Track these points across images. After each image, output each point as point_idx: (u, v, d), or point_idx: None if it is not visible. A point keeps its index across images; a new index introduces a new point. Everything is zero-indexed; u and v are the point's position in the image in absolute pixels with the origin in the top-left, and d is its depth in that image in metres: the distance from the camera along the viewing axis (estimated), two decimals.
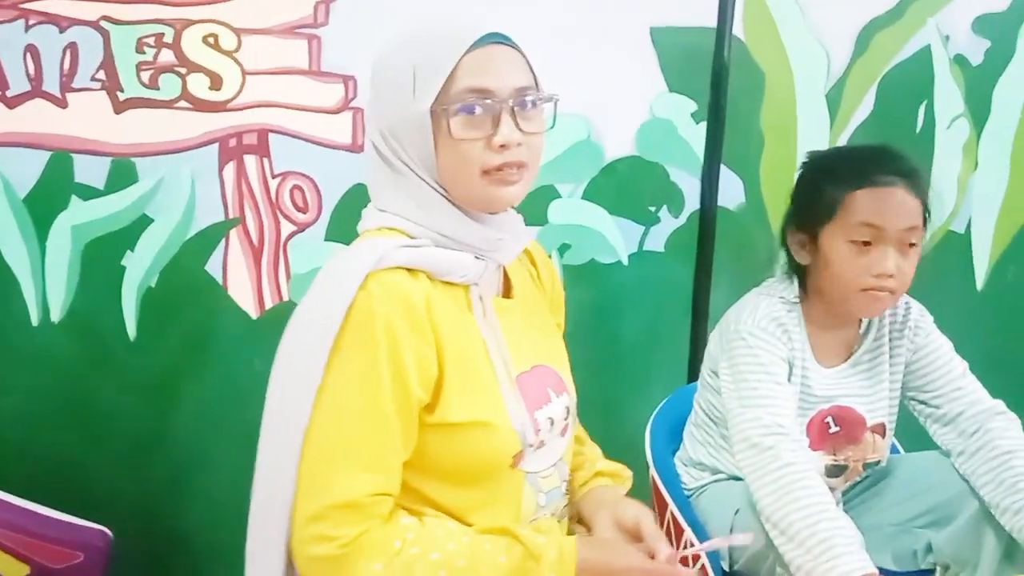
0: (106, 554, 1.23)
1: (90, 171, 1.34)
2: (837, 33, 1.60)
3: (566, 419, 0.91)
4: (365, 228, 0.87)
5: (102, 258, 1.38)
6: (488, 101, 0.78)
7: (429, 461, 0.80)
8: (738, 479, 1.21)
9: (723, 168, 1.57)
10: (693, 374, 1.61)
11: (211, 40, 1.30)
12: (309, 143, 1.40)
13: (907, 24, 1.62)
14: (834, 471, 1.21)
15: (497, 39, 0.80)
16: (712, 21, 1.50)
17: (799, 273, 1.19)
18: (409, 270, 0.79)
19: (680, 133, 1.57)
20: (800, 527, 1.02)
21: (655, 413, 1.40)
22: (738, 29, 1.53)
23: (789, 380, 1.16)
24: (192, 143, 1.35)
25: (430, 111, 0.78)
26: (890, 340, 1.22)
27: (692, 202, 1.60)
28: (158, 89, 1.31)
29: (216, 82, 1.32)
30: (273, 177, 1.40)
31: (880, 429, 1.22)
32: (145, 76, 1.30)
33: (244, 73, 1.34)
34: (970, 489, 1.15)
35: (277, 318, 1.45)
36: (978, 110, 1.68)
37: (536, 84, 0.82)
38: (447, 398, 0.79)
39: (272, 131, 1.37)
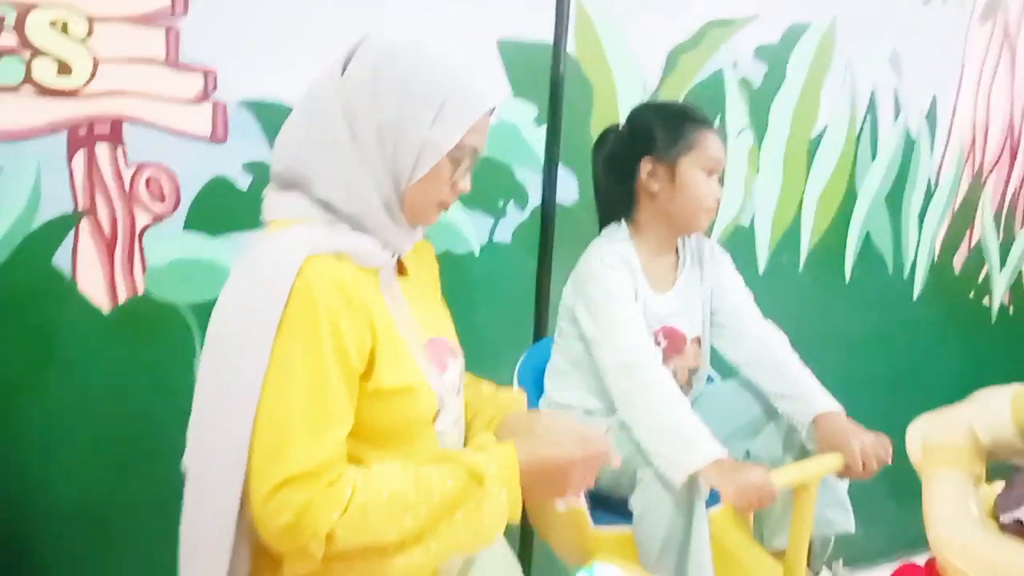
0: None
1: None
2: (650, 54, 1.84)
3: (461, 381, 1.02)
4: (279, 216, 0.91)
5: None
6: (472, 157, 0.94)
7: (363, 425, 0.87)
8: (591, 413, 1.43)
9: (561, 168, 1.76)
10: (536, 340, 1.80)
11: (59, 25, 1.24)
12: (167, 133, 1.37)
13: (704, 50, 1.91)
14: None
15: (491, 110, 0.95)
16: (549, 38, 1.69)
17: (627, 214, 1.43)
18: (336, 256, 0.86)
19: (523, 135, 1.73)
20: (665, 423, 1.25)
21: (519, 364, 1.57)
22: (571, 47, 1.72)
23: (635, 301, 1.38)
24: (37, 130, 1.27)
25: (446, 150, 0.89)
26: (700, 266, 1.49)
27: (535, 198, 1.76)
28: None
29: (64, 68, 1.26)
30: (127, 167, 1.35)
31: (697, 340, 1.48)
32: None
33: (96, 60, 1.29)
34: (765, 407, 1.45)
35: (131, 313, 1.41)
36: (759, 123, 2.02)
37: None
38: (379, 367, 0.87)
39: (127, 120, 1.33)
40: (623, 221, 1.46)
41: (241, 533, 0.84)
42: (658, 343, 1.45)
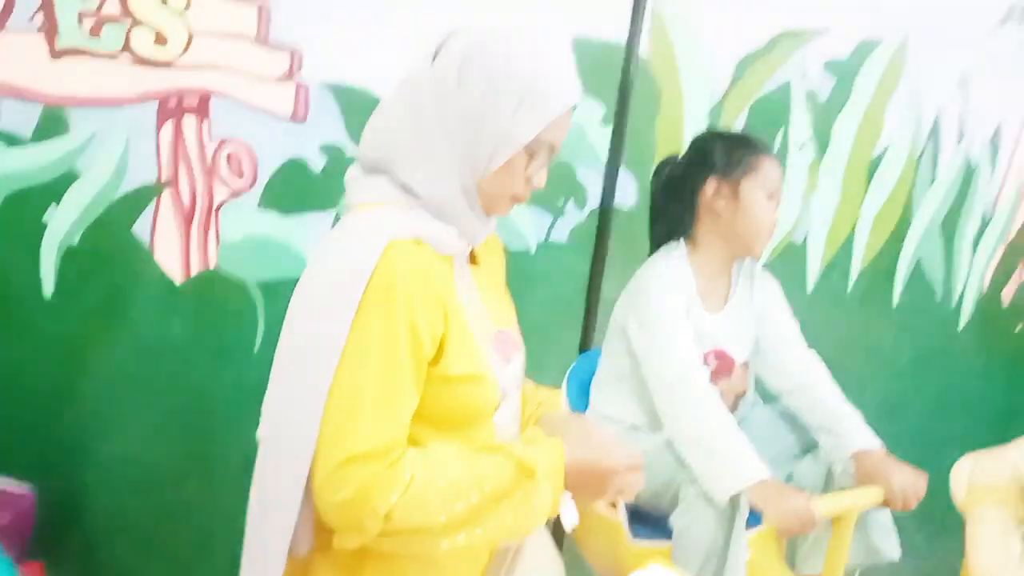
0: (31, 513, 1.18)
1: (18, 118, 1.25)
2: (720, 62, 1.84)
3: (522, 374, 1.04)
4: (366, 199, 0.92)
5: (23, 212, 1.29)
6: (549, 153, 0.92)
7: (426, 410, 0.88)
8: (637, 429, 1.44)
9: (623, 170, 1.77)
10: (584, 349, 1.81)
11: None
12: (251, 110, 1.40)
13: (774, 60, 1.90)
14: None
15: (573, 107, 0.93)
16: (623, 38, 1.69)
17: (685, 232, 1.45)
18: (416, 242, 0.88)
19: (588, 135, 1.74)
20: (712, 440, 1.26)
21: (568, 374, 1.58)
22: (643, 49, 1.72)
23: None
24: (130, 99, 1.31)
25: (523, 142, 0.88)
26: (751, 290, 1.50)
27: (594, 199, 1.77)
28: (99, 39, 1.25)
29: (161, 38, 1.29)
30: (211, 141, 1.38)
31: (745, 366, 1.50)
32: (87, 24, 1.24)
33: (191, 33, 1.31)
34: (803, 436, 1.46)
35: (200, 287, 1.45)
36: (821, 139, 2.01)
37: None
38: (448, 354, 0.88)
39: (214, 94, 1.36)
40: (681, 240, 1.47)
41: (308, 504, 0.86)
42: (708, 364, 1.46)
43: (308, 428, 0.83)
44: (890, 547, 1.43)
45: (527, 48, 0.89)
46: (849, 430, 1.39)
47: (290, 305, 0.88)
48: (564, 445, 0.92)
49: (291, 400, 0.85)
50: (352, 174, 0.97)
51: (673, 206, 1.46)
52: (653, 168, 1.82)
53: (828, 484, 1.44)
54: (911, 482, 1.31)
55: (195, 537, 1.52)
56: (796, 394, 1.47)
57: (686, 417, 1.31)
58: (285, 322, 0.87)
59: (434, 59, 0.90)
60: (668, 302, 1.38)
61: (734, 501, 1.26)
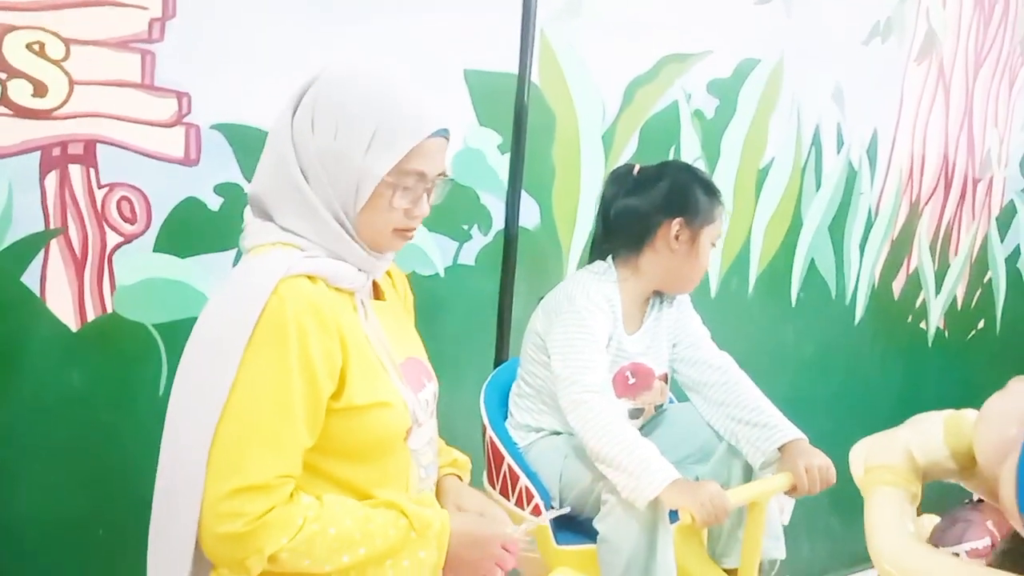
0: None
1: None
2: (610, 86, 1.93)
3: (434, 402, 1.07)
4: (258, 242, 0.95)
5: None
6: (421, 182, 0.94)
7: (335, 442, 0.91)
8: (558, 433, 1.50)
9: (524, 194, 1.83)
10: (499, 364, 1.85)
11: (36, 47, 1.26)
12: (139, 155, 1.40)
13: (660, 83, 2.01)
14: (634, 413, 1.54)
15: (443, 133, 0.95)
16: (515, 68, 1.76)
17: (626, 256, 1.50)
18: (310, 277, 0.90)
19: (488, 162, 1.79)
20: (621, 457, 1.32)
21: (485, 386, 1.62)
22: (535, 76, 1.80)
23: (607, 346, 1.45)
24: (10, 150, 1.29)
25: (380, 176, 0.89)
26: (662, 307, 1.58)
27: (498, 222, 1.83)
28: None
29: (40, 89, 1.28)
30: (100, 187, 1.38)
31: (664, 378, 1.57)
32: None
33: (72, 83, 1.31)
34: (715, 432, 1.53)
35: (99, 331, 1.43)
36: (711, 154, 2.13)
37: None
38: (351, 385, 0.91)
39: (100, 141, 1.35)
40: (611, 260, 1.52)
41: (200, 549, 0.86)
42: (628, 378, 1.52)
43: (198, 467, 0.84)
44: (776, 549, 1.51)
45: (375, 85, 0.92)
46: (775, 423, 1.46)
47: (187, 342, 0.89)
48: (451, 515, 0.97)
49: (182, 436, 0.86)
50: (248, 219, 0.99)
51: (627, 229, 1.50)
52: (552, 191, 1.91)
53: (747, 478, 1.50)
54: (816, 466, 1.38)
55: None
56: (718, 388, 1.54)
57: (594, 435, 1.36)
58: (179, 365, 0.88)
59: (296, 105, 0.93)
60: (591, 324, 1.43)
61: (653, 504, 1.32)
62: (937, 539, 1.09)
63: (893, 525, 1.02)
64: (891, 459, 1.10)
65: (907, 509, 1.04)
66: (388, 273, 1.14)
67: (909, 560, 0.96)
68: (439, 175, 0.96)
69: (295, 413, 0.86)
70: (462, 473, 1.17)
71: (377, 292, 1.06)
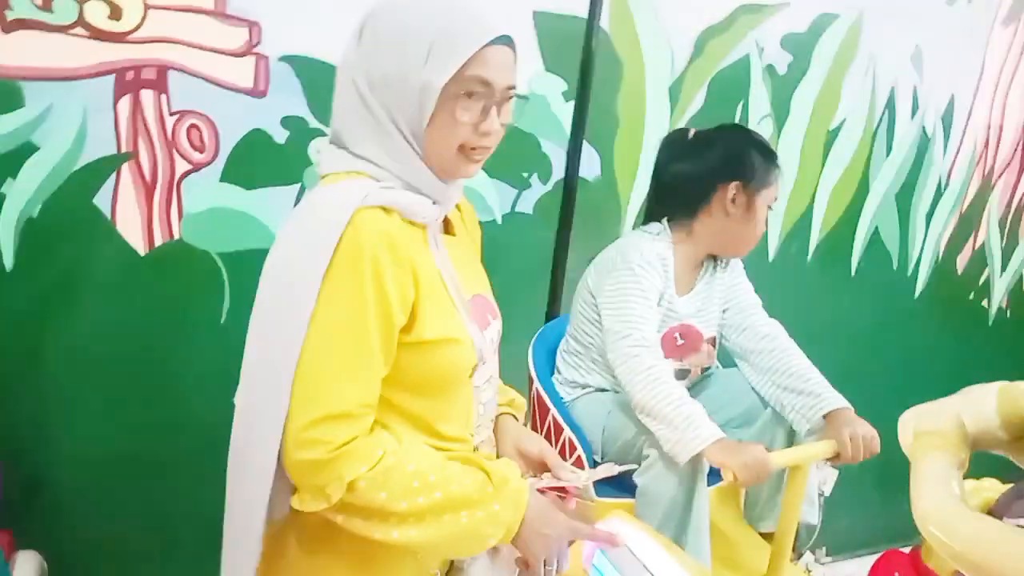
0: None
1: None
2: (680, 36, 1.87)
3: (498, 340, 1.07)
4: (333, 170, 0.94)
5: None
6: (487, 92, 0.89)
7: (402, 375, 0.91)
8: (604, 391, 1.49)
9: (585, 144, 1.79)
10: (550, 317, 1.85)
11: None
12: (210, 84, 1.40)
13: (733, 35, 1.93)
14: (680, 375, 1.53)
15: (505, 41, 0.91)
16: (584, 11, 1.71)
17: (683, 218, 1.48)
18: (384, 209, 0.89)
19: (552, 109, 1.76)
20: (667, 411, 1.31)
21: (534, 340, 1.62)
22: (605, 22, 1.75)
23: (658, 305, 1.44)
24: (86, 72, 1.30)
25: (439, 87, 0.87)
26: (715, 272, 1.56)
27: (558, 171, 1.80)
28: (51, 12, 1.25)
29: (115, 12, 1.28)
30: (171, 114, 1.38)
31: (712, 341, 1.55)
32: None
33: (146, 6, 1.31)
34: (761, 398, 1.51)
35: (165, 256, 1.45)
36: (780, 112, 2.05)
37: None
38: (422, 319, 0.90)
39: (172, 68, 1.36)
40: (666, 222, 1.50)
41: (282, 469, 0.87)
42: (677, 339, 1.50)
43: (280, 392, 0.85)
44: (812, 514, 1.50)
45: (434, 1, 0.90)
46: (821, 391, 1.45)
47: (262, 273, 0.89)
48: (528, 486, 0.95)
49: (264, 366, 0.87)
50: (319, 146, 0.98)
51: (682, 193, 1.48)
52: (614, 143, 1.87)
53: (790, 446, 1.49)
54: (861, 435, 1.37)
55: (164, 504, 1.54)
56: (766, 355, 1.52)
57: (642, 390, 1.35)
58: (258, 289, 0.89)
59: (359, 33, 0.91)
60: (644, 283, 1.42)
61: (694, 461, 1.31)
62: (1003, 509, 1.06)
63: (940, 488, 1.01)
64: (941, 425, 1.08)
65: (954, 473, 1.02)
66: (458, 207, 1.13)
67: (955, 523, 0.95)
68: (507, 88, 0.91)
69: (372, 343, 0.86)
70: (518, 413, 1.17)
71: (447, 227, 1.05)
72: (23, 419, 1.41)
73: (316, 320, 0.84)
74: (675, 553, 1.02)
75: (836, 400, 1.44)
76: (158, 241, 1.43)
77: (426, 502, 0.87)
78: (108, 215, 1.38)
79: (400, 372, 0.91)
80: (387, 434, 0.89)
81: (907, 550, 1.64)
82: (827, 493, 1.56)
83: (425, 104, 0.89)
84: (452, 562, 1.01)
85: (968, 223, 2.51)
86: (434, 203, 0.95)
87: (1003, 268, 2.65)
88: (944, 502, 0.98)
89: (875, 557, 1.89)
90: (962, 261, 2.54)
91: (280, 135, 1.48)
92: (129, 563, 1.57)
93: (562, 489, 1.03)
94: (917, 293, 2.47)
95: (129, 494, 1.52)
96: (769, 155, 1.47)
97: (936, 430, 1.07)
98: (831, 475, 1.55)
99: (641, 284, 1.42)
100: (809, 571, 1.56)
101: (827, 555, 2.22)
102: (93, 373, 1.45)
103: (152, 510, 1.54)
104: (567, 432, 1.50)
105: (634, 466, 1.30)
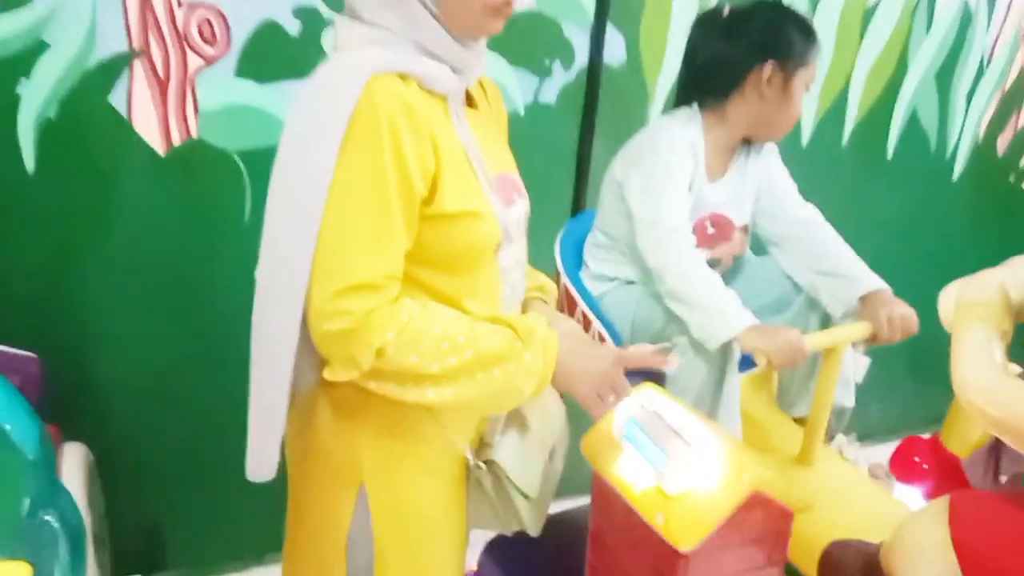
0: (40, 377, 1.22)
1: None
2: None
3: (525, 221, 1.04)
4: (346, 41, 0.90)
5: None
6: None
7: (425, 250, 0.89)
8: (632, 283, 1.47)
9: (610, 27, 1.71)
10: (576, 211, 1.82)
11: None
12: None
13: None
14: (711, 264, 1.49)
15: None
16: None
17: (715, 101, 1.41)
18: (402, 77, 0.85)
19: None
20: (699, 296, 1.29)
21: (560, 235, 1.59)
22: None
23: (688, 192, 1.38)
24: None
25: None
26: (748, 157, 1.49)
27: (581, 58, 1.73)
28: None
29: None
30: (179, 6, 1.34)
31: (744, 229, 1.51)
32: None
33: None
34: (794, 284, 1.48)
35: (185, 157, 1.43)
36: None
37: None
38: (442, 191, 0.88)
39: None
40: (696, 106, 1.42)
41: (308, 340, 0.87)
42: (708, 229, 1.46)
43: (301, 263, 0.84)
44: (847, 396, 1.49)
45: None
46: (857, 273, 1.41)
47: (279, 142, 0.87)
48: (560, 335, 0.93)
49: (283, 238, 0.85)
50: (336, 22, 0.94)
51: (715, 75, 1.39)
52: (640, 24, 1.78)
53: (813, 327, 1.46)
54: (899, 315, 1.34)
55: (201, 391, 1.57)
56: (800, 240, 1.48)
57: (673, 277, 1.33)
58: (274, 162, 0.86)
59: None
60: (674, 170, 1.37)
61: (724, 347, 1.29)
62: None
63: (980, 356, 0.99)
64: (984, 295, 1.05)
65: (996, 343, 1.00)
66: (482, 85, 1.09)
67: (995, 389, 0.94)
68: None
69: (393, 213, 0.84)
70: (548, 298, 1.16)
71: (470, 102, 1.01)
72: (59, 318, 1.43)
73: (335, 191, 0.82)
74: (707, 421, 1.01)
75: (872, 281, 1.40)
76: (176, 140, 1.41)
77: (457, 362, 0.86)
78: (125, 114, 1.36)
79: (423, 247, 0.89)
80: (411, 301, 0.88)
81: (927, 436, 1.64)
82: (859, 380, 1.54)
83: None
84: (482, 438, 1.02)
85: (1010, 103, 2.40)
86: (454, 71, 0.91)
87: None
88: (984, 369, 0.97)
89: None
90: (1003, 143, 2.44)
91: (292, 27, 1.43)
92: (172, 456, 1.62)
93: None
94: (956, 176, 2.39)
95: (171, 385, 1.56)
96: (808, 32, 1.37)
97: (979, 300, 1.04)
98: (864, 362, 1.53)
99: (671, 171, 1.37)
100: (842, 453, 1.57)
101: (857, 440, 2.24)
102: (121, 277, 1.46)
103: (193, 395, 1.58)
104: (596, 325, 1.49)
105: (667, 344, 1.28)
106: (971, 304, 1.07)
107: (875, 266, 1.47)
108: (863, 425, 1.80)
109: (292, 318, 0.86)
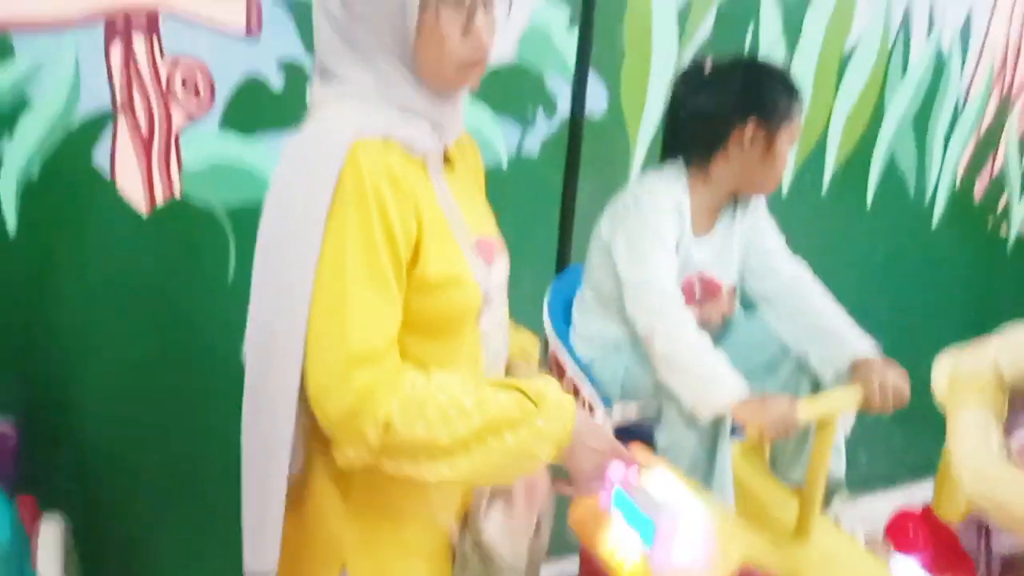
0: (16, 448, 1.19)
1: None
2: None
3: (506, 283, 1.03)
4: (323, 97, 0.89)
5: None
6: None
7: (408, 316, 0.87)
8: (622, 345, 1.45)
9: (591, 79, 1.73)
10: (561, 265, 1.81)
11: None
12: (202, 26, 1.35)
13: None
14: (700, 325, 1.46)
15: None
16: None
17: (699, 158, 1.40)
18: (384, 141, 0.85)
19: (554, 42, 1.69)
20: (691, 364, 1.26)
21: (548, 296, 1.58)
22: None
23: (675, 252, 1.37)
24: (74, 19, 1.25)
25: None
26: (735, 211, 1.48)
27: (564, 107, 1.74)
28: None
29: None
30: (163, 58, 1.34)
31: (732, 290, 1.50)
32: None
33: None
34: (783, 346, 1.46)
35: (167, 217, 1.42)
36: (791, 35, 1.98)
37: None
38: (425, 257, 0.87)
39: (163, 10, 1.31)
40: (681, 162, 1.42)
41: (299, 420, 0.86)
42: (695, 289, 1.44)
43: (294, 339, 0.82)
44: (837, 464, 1.46)
45: None
46: (848, 337, 1.38)
47: (262, 215, 0.86)
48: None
49: (273, 313, 0.83)
50: (311, 84, 0.94)
51: (698, 134, 1.39)
52: (621, 74, 1.81)
53: (803, 390, 1.43)
54: (891, 382, 1.30)
55: (181, 461, 1.54)
56: (789, 299, 1.46)
57: (662, 343, 1.30)
58: (258, 233, 0.85)
59: None
60: (660, 229, 1.35)
61: (716, 419, 1.28)
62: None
63: (978, 440, 1.00)
64: (978, 374, 1.06)
65: (992, 429, 1.01)
66: (459, 144, 1.09)
67: (998, 482, 0.96)
68: None
69: (387, 279, 0.83)
70: (530, 360, 1.15)
71: (448, 163, 1.01)
72: (39, 381, 1.40)
73: (324, 260, 0.81)
74: (697, 491, 1.00)
75: (863, 346, 1.36)
76: (159, 199, 1.40)
77: (467, 429, 0.83)
78: (107, 173, 1.35)
79: (405, 313, 0.87)
80: (413, 370, 0.86)
81: (920, 495, 1.61)
82: (846, 433, 1.52)
83: (407, 10, 0.83)
84: (467, 513, 0.99)
85: (986, 147, 2.45)
86: (433, 129, 0.90)
87: (1022, 193, 2.59)
88: (984, 458, 0.97)
89: (894, 492, 1.88)
90: (980, 188, 2.48)
91: (277, 80, 1.44)
92: (152, 515, 1.58)
93: None
94: (935, 223, 2.42)
95: (152, 453, 1.52)
96: (790, 88, 1.37)
97: (973, 379, 1.05)
98: (847, 418, 1.51)
99: (655, 230, 1.35)
100: (838, 521, 1.52)
101: (851, 496, 2.21)
102: (105, 335, 1.44)
103: (171, 466, 1.54)
104: (585, 392, 1.46)
105: (649, 415, 1.26)
106: (965, 383, 1.08)
107: (857, 314, 1.46)
108: (854, 476, 1.79)
109: (289, 396, 0.83)
